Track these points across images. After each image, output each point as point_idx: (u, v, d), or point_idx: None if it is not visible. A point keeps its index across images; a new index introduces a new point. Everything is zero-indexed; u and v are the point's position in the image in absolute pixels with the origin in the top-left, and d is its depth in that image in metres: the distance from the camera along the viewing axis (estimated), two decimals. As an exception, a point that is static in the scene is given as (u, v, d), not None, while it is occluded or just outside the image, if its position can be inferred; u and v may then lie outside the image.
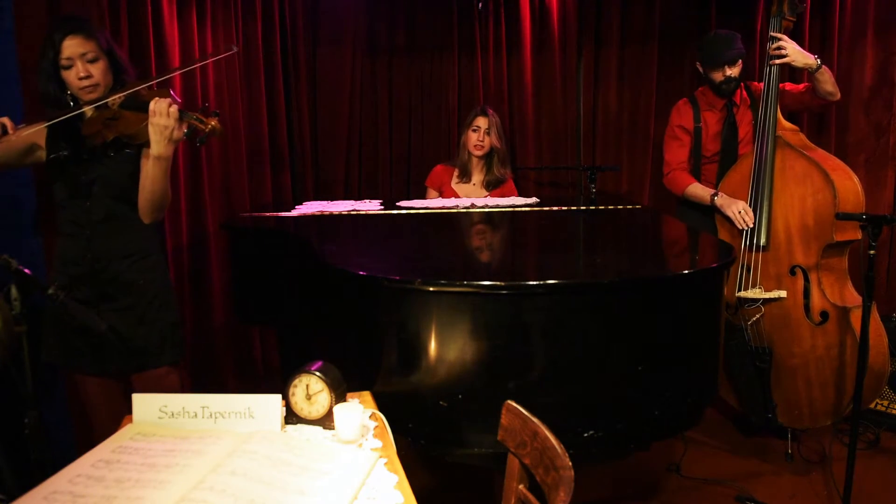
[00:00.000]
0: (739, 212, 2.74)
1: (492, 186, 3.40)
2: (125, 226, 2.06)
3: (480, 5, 3.65)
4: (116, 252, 2.04)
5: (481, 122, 3.33)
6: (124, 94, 1.93)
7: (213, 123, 1.90)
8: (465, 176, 3.41)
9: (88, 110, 1.95)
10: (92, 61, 1.94)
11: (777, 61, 2.72)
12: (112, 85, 2.01)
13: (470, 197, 3.36)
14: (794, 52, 2.71)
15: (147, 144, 1.92)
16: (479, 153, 3.36)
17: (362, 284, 1.82)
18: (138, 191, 2.03)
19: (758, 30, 3.65)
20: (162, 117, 1.85)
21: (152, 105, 1.85)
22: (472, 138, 3.33)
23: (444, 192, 3.42)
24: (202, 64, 1.99)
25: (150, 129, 1.87)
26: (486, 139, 3.33)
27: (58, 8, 2.58)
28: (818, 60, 2.72)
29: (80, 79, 1.93)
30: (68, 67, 1.93)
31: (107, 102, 1.93)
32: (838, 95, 2.84)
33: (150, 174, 1.95)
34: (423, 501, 1.25)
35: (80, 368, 2.09)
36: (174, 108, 1.85)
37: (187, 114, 1.89)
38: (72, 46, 1.91)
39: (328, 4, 3.63)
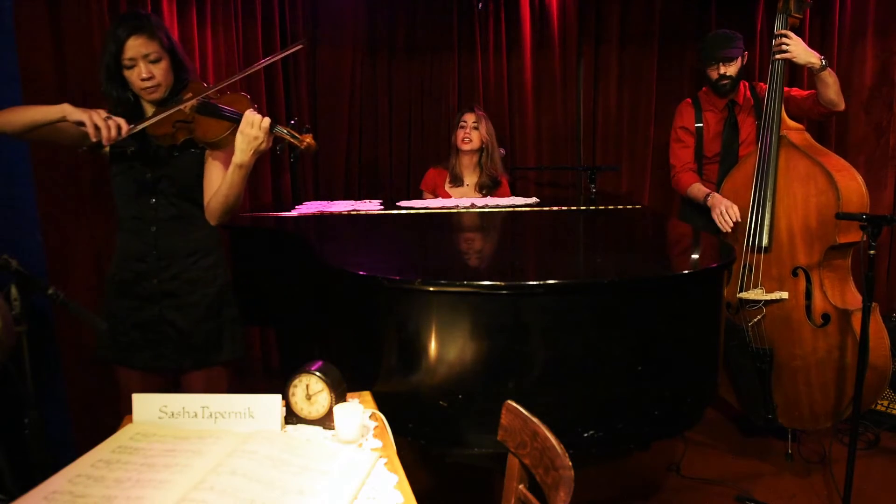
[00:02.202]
0: (721, 212, 2.74)
1: (486, 190, 3.36)
2: (189, 224, 2.05)
3: (480, 5, 3.66)
4: (180, 250, 2.04)
5: (468, 117, 3.33)
6: (198, 99, 1.91)
7: (308, 140, 1.89)
8: (457, 180, 3.40)
9: (161, 114, 1.93)
10: (154, 62, 1.93)
11: (779, 56, 2.71)
12: (173, 84, 1.99)
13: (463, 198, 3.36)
14: (798, 49, 2.68)
15: (219, 146, 1.93)
16: (467, 147, 3.32)
17: (362, 284, 1.82)
18: (203, 190, 2.03)
19: (758, 30, 3.66)
20: (254, 129, 1.84)
21: (248, 114, 1.84)
22: (459, 134, 3.33)
23: (439, 195, 3.41)
24: (268, 62, 1.99)
25: (239, 138, 1.86)
26: (474, 133, 3.31)
27: (58, 8, 2.59)
28: (823, 61, 2.69)
29: (143, 80, 1.92)
30: (131, 67, 1.92)
31: (181, 108, 1.91)
32: (842, 106, 2.79)
33: (229, 180, 1.94)
34: (423, 501, 1.25)
35: (134, 363, 2.08)
36: (266, 121, 1.85)
37: (278, 127, 1.88)
38: (135, 47, 1.89)
39: (328, 4, 3.63)
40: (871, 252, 2.19)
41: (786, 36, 2.69)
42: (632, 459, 2.85)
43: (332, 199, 3.39)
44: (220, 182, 1.98)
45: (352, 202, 3.21)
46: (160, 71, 1.94)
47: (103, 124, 1.77)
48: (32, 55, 2.50)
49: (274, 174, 3.62)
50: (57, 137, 1.97)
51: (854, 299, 2.66)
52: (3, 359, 1.71)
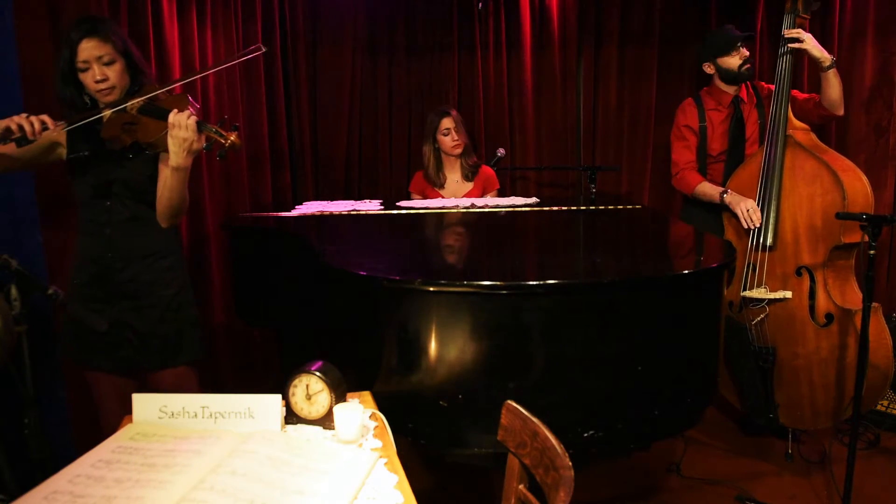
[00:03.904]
0: (747, 210, 2.73)
1: (469, 177, 3.40)
2: (145, 226, 2.06)
3: (480, 5, 3.65)
4: (136, 252, 2.05)
5: (447, 122, 3.32)
6: (143, 99, 1.92)
7: (232, 138, 1.88)
8: (441, 183, 3.41)
9: (107, 114, 1.95)
10: (108, 64, 1.94)
11: (793, 45, 2.69)
12: (129, 86, 2.00)
13: (454, 194, 3.37)
14: (811, 43, 2.69)
15: (166, 150, 1.92)
16: (458, 151, 3.35)
17: (362, 284, 1.82)
18: (156, 193, 2.04)
19: (758, 30, 3.65)
20: (182, 130, 1.84)
21: (171, 117, 1.84)
22: (447, 142, 3.33)
23: (429, 196, 3.42)
24: (228, 65, 1.94)
25: (170, 141, 1.86)
26: (459, 136, 3.33)
27: (58, 8, 2.58)
28: (833, 60, 2.71)
29: (97, 82, 1.93)
30: (85, 70, 1.93)
31: (125, 107, 1.93)
32: (842, 111, 2.80)
33: (169, 183, 1.95)
34: (423, 501, 1.25)
35: (96, 365, 2.09)
36: (192, 121, 1.84)
37: (206, 126, 1.88)
38: (88, 49, 1.91)
39: (328, 4, 3.63)
40: (872, 252, 2.19)
41: (797, 33, 2.70)
42: (632, 459, 2.85)
43: (332, 199, 3.39)
44: None
45: (352, 202, 3.21)
46: (114, 73, 1.95)
47: (26, 122, 1.82)
48: (32, 55, 2.50)
49: (274, 174, 3.62)
50: (24, 164, 2.02)
51: (857, 299, 2.66)
52: (3, 359, 1.71)
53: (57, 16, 2.59)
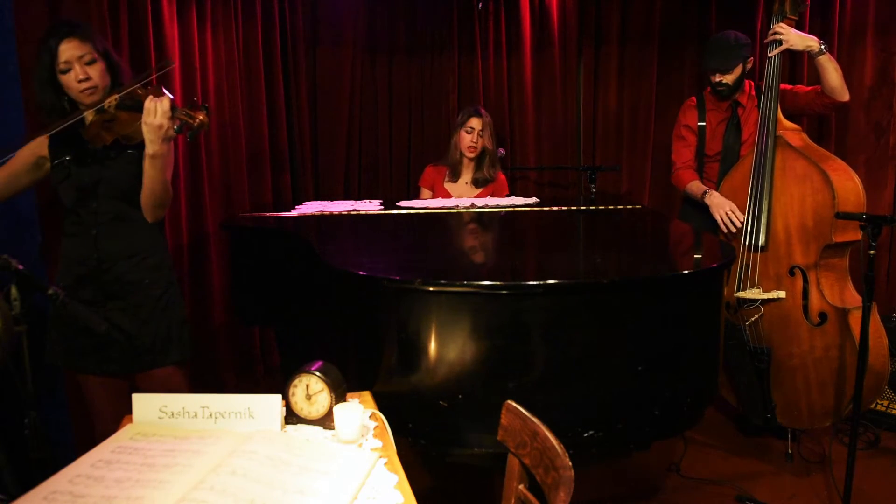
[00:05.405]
0: (726, 213, 2.76)
1: (480, 184, 3.40)
2: (131, 226, 2.06)
3: (480, 5, 3.66)
4: (122, 252, 2.05)
5: (475, 122, 3.32)
6: (119, 95, 1.93)
7: (200, 117, 1.88)
8: (455, 176, 3.41)
9: (88, 115, 1.96)
10: (89, 63, 1.94)
11: (777, 49, 2.70)
12: (110, 87, 2.01)
13: (461, 196, 3.37)
14: (792, 36, 2.69)
15: (134, 138, 1.93)
16: (471, 155, 3.35)
17: (362, 284, 1.82)
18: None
19: (758, 29, 3.66)
20: (157, 116, 1.84)
21: (147, 103, 1.84)
22: (466, 139, 3.32)
23: (436, 192, 3.43)
24: (139, 84, 1.97)
25: (144, 129, 1.86)
26: (480, 140, 3.32)
27: (58, 8, 2.59)
28: (822, 45, 2.69)
29: (80, 81, 1.92)
30: (66, 71, 1.92)
31: (103, 105, 1.93)
32: (846, 95, 2.77)
33: (148, 172, 1.95)
34: (423, 501, 1.25)
35: (84, 368, 2.09)
36: (165, 105, 1.84)
37: (177, 110, 1.88)
38: (69, 50, 1.91)
39: (328, 5, 3.63)
40: (871, 252, 2.19)
41: (779, 28, 2.70)
42: (632, 459, 2.85)
43: (332, 199, 3.39)
44: None
45: (352, 202, 3.21)
46: (96, 72, 1.95)
47: None
48: (32, 55, 2.50)
49: (274, 174, 3.62)
50: (16, 189, 2.06)
51: (852, 298, 2.66)
52: (3, 359, 1.71)
53: (57, 16, 2.59)
